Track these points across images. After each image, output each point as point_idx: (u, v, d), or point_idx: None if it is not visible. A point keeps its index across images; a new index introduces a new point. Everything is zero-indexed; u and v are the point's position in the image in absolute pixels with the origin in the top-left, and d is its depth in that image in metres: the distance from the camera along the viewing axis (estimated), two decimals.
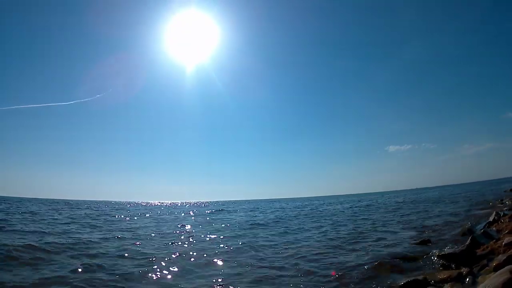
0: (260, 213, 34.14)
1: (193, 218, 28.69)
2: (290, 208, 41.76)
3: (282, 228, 17.79)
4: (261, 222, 21.66)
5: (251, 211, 38.88)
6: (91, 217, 26.49)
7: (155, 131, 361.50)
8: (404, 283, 6.46)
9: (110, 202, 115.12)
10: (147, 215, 32.76)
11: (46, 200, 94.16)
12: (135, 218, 27.89)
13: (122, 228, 18.37)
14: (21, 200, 71.27)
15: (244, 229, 17.98)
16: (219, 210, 43.34)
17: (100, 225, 19.89)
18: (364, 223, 18.41)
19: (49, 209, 35.23)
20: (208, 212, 39.37)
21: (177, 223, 22.93)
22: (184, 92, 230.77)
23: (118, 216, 29.07)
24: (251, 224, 20.74)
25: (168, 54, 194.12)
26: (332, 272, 7.91)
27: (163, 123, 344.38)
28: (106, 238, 13.69)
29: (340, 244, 11.89)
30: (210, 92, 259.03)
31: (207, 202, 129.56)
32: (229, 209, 46.86)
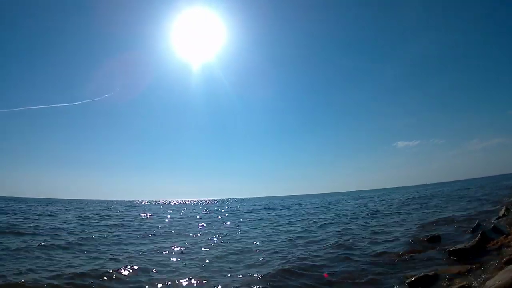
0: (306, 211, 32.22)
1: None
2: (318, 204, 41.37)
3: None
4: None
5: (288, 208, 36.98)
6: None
7: (161, 129, 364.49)
8: (414, 279, 6.57)
9: (123, 201, 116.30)
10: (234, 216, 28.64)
11: (59, 200, 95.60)
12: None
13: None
14: (28, 200, 72.12)
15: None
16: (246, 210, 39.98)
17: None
18: (373, 219, 18.50)
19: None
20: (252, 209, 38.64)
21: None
22: (191, 90, 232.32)
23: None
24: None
25: (175, 53, 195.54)
26: (325, 274, 7.98)
27: (170, 121, 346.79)
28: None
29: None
30: (217, 90, 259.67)
31: (222, 200, 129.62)
32: (270, 207, 44.00)
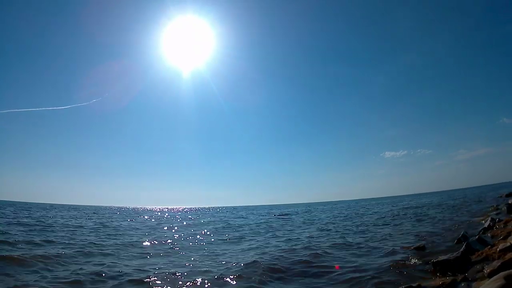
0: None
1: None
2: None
3: None
4: None
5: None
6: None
7: (150, 136, 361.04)
8: None
9: (112, 207, 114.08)
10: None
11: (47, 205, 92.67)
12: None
13: None
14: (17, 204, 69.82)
15: None
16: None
17: None
18: (358, 230, 18.32)
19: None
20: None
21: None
22: (180, 97, 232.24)
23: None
24: None
25: (165, 60, 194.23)
26: (336, 267, 8.02)
27: (159, 128, 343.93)
28: None
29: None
30: (206, 97, 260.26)
31: (220, 208, 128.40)
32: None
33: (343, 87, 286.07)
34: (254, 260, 10.03)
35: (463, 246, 8.65)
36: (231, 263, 10.02)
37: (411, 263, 8.96)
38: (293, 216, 37.79)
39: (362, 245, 12.69)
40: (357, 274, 8.28)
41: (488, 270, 6.68)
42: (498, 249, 7.96)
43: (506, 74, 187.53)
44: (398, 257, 9.92)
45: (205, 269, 9.43)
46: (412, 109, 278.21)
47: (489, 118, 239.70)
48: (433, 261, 8.24)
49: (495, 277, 5.95)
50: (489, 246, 8.75)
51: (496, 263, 6.84)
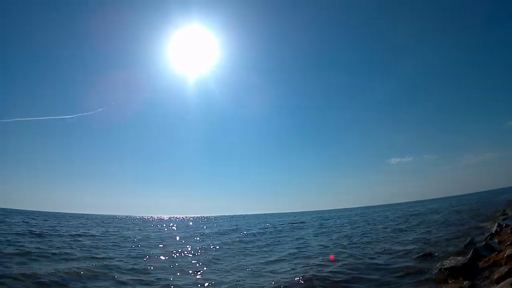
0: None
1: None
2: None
3: None
4: None
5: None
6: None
7: (155, 144, 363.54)
8: None
9: (118, 216, 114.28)
10: None
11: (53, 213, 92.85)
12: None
13: None
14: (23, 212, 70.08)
15: None
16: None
17: None
18: (362, 237, 18.26)
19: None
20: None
21: None
22: (186, 105, 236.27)
23: None
24: None
25: (171, 68, 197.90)
26: (331, 257, 8.15)
27: (163, 136, 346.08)
28: None
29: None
30: (213, 106, 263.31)
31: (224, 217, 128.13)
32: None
33: (347, 94, 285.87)
34: (305, 272, 9.75)
35: (470, 253, 8.65)
36: (280, 275, 9.85)
37: (420, 270, 8.96)
38: (310, 224, 37.41)
39: (379, 252, 12.69)
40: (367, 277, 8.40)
41: (495, 276, 6.71)
42: (505, 255, 7.96)
43: (510, 78, 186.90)
44: (404, 263, 9.96)
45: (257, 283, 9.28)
46: (417, 114, 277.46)
47: (495, 122, 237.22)
48: (440, 268, 8.27)
49: (502, 283, 5.99)
50: (496, 252, 8.74)
51: (503, 269, 6.86)
